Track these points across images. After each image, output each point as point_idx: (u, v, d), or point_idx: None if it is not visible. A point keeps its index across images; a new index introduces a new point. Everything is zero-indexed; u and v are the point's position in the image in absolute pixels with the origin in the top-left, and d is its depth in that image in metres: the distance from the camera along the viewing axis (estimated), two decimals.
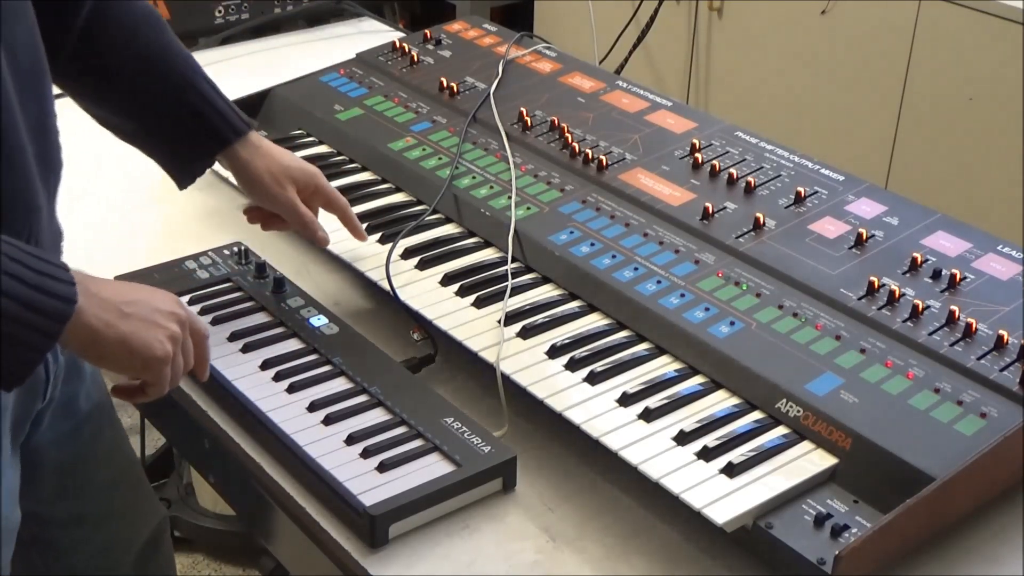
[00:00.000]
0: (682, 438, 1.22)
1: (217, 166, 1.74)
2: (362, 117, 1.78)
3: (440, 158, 1.66)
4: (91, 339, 1.08)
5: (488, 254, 1.52)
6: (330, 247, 1.53)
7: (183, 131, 1.42)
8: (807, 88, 2.97)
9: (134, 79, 1.39)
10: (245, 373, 1.33)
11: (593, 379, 1.30)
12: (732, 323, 1.33)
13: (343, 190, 1.64)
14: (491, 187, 1.59)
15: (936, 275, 1.37)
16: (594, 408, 1.26)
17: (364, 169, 1.70)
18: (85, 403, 1.39)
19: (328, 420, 1.27)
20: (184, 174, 1.46)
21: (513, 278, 1.45)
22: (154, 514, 1.61)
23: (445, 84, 1.81)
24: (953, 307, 1.30)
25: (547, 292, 1.45)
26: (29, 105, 1.14)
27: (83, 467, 1.44)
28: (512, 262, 1.48)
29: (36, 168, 1.16)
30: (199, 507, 2.56)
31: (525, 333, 1.36)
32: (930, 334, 1.29)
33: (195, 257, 1.52)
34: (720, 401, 1.28)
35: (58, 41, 1.33)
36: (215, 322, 1.41)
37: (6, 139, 1.11)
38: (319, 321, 1.41)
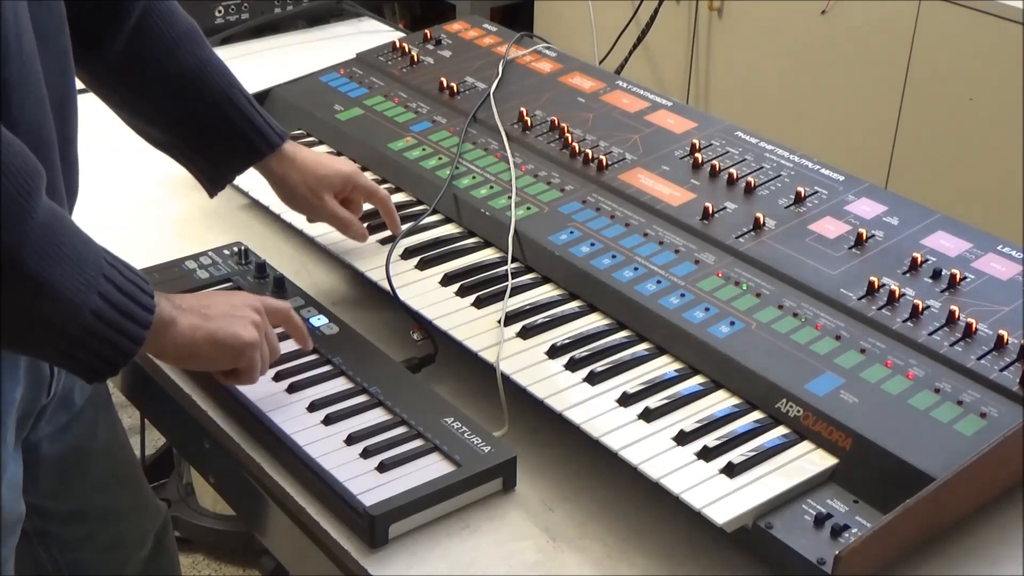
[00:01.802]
0: (682, 438, 1.22)
1: None
2: (362, 117, 1.78)
3: (440, 158, 1.66)
4: (185, 343, 1.17)
5: (488, 254, 1.52)
6: (330, 247, 1.54)
7: (218, 144, 1.45)
8: (807, 88, 2.97)
9: (172, 91, 1.41)
10: None
11: (593, 379, 1.30)
12: (732, 323, 1.33)
13: None
14: (491, 187, 1.59)
15: (936, 275, 1.37)
16: (594, 408, 1.26)
17: (364, 169, 1.70)
18: (80, 396, 1.41)
19: (328, 420, 1.27)
20: (215, 184, 1.49)
21: (513, 278, 1.45)
22: (157, 513, 1.62)
23: (445, 84, 1.81)
24: (953, 307, 1.30)
25: (547, 292, 1.45)
26: (56, 128, 1.17)
27: (81, 460, 1.45)
28: (512, 262, 1.48)
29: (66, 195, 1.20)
30: (199, 507, 2.56)
31: (525, 333, 1.36)
32: (930, 334, 1.29)
33: (195, 257, 1.52)
34: (720, 401, 1.28)
35: (102, 54, 1.36)
36: None
37: (45, 158, 1.12)
38: (319, 321, 1.41)
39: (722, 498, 1.15)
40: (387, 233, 1.55)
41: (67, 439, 1.42)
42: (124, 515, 1.55)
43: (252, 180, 1.67)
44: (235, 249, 1.53)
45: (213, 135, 1.44)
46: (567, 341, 1.35)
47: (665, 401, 1.26)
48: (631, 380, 1.30)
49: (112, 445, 1.52)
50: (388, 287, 1.44)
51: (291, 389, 1.31)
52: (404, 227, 1.54)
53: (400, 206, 1.61)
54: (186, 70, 1.41)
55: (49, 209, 1.04)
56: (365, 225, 1.55)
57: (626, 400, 1.27)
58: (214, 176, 1.48)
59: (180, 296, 1.20)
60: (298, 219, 1.59)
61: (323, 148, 1.76)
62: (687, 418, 1.24)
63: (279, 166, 1.48)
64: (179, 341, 1.16)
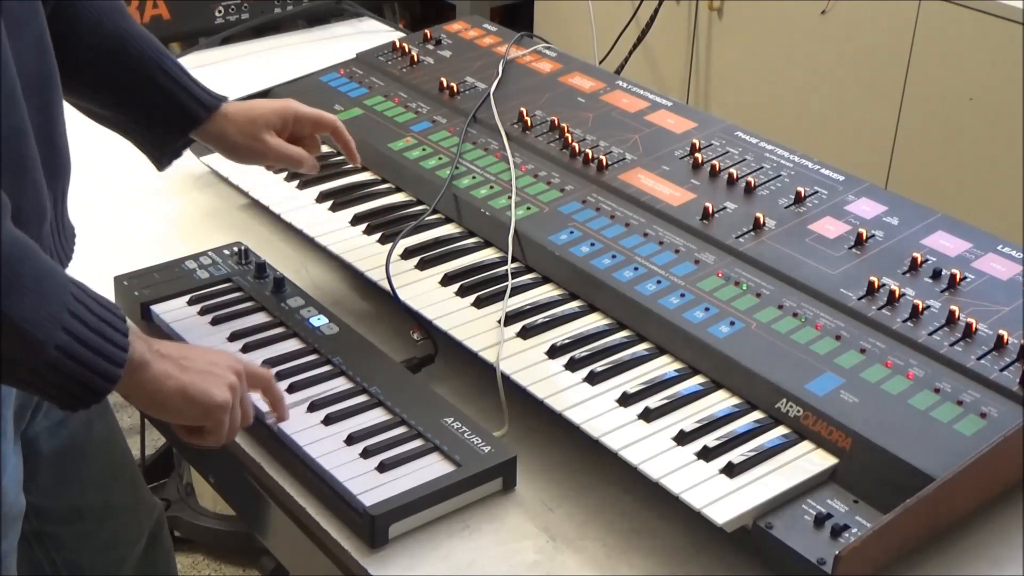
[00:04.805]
0: (682, 438, 1.22)
1: (215, 166, 1.75)
2: (362, 117, 1.78)
3: (440, 158, 1.66)
4: (155, 390, 1.13)
5: (488, 254, 1.52)
6: (330, 247, 1.53)
7: (155, 112, 1.43)
8: (807, 88, 2.97)
9: (102, 65, 1.39)
10: None
11: (593, 379, 1.30)
12: (732, 323, 1.33)
13: (343, 190, 1.65)
14: (491, 187, 1.58)
15: (936, 275, 1.37)
16: (594, 408, 1.26)
17: (364, 169, 1.70)
18: None
19: (328, 420, 1.27)
20: (162, 156, 1.47)
21: (513, 278, 1.45)
22: (153, 509, 1.62)
23: (445, 84, 1.81)
24: (953, 307, 1.30)
25: (547, 292, 1.44)
26: (35, 112, 1.15)
27: (77, 457, 1.45)
28: (512, 262, 1.48)
29: (44, 174, 1.17)
30: (199, 507, 2.56)
31: (525, 333, 1.36)
32: (930, 334, 1.29)
33: (195, 257, 1.52)
34: (720, 401, 1.28)
35: None
36: (215, 322, 1.41)
37: (16, 147, 1.12)
38: (319, 321, 1.41)
39: (722, 498, 1.15)
40: (387, 233, 1.54)
41: (64, 434, 1.42)
42: (121, 511, 1.55)
43: (252, 180, 1.68)
44: (235, 249, 1.53)
45: (148, 104, 1.42)
46: (567, 341, 1.35)
47: (665, 401, 1.26)
48: (631, 380, 1.30)
49: (108, 440, 1.52)
50: (388, 287, 1.44)
51: (291, 389, 1.31)
52: (404, 227, 1.53)
53: (400, 206, 1.61)
54: (112, 40, 1.38)
55: (11, 239, 1.02)
56: (364, 226, 1.55)
57: (626, 400, 1.27)
58: (158, 147, 1.46)
59: (161, 342, 1.17)
60: (298, 219, 1.59)
61: (323, 148, 1.76)
62: (687, 418, 1.24)
63: (214, 126, 1.45)
64: (148, 387, 1.12)
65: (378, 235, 1.55)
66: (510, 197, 1.55)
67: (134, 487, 1.59)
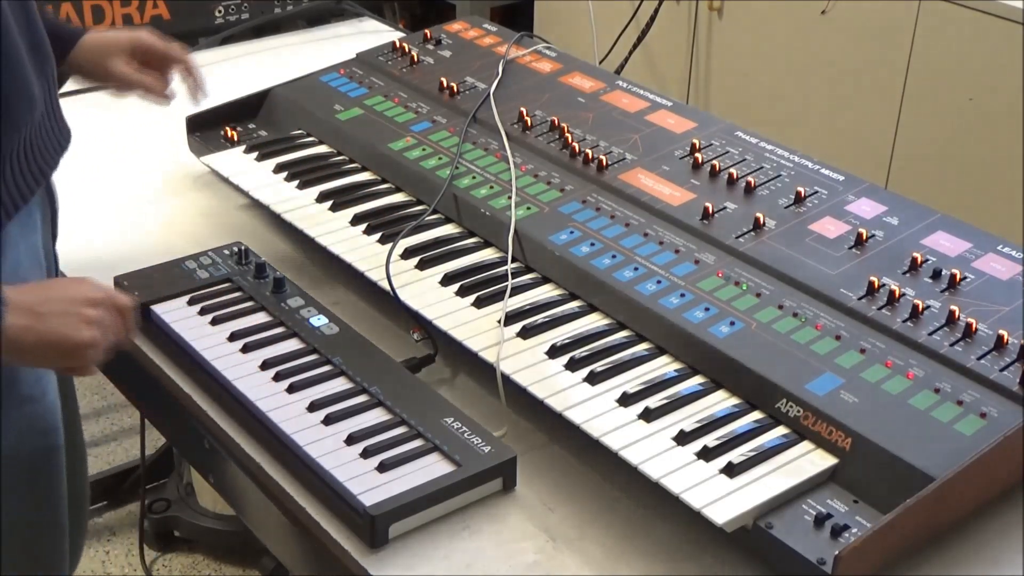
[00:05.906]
0: (682, 438, 1.22)
1: (215, 166, 1.75)
2: (362, 117, 1.78)
3: (440, 158, 1.66)
4: (12, 346, 1.13)
5: (488, 254, 1.52)
6: (330, 247, 1.53)
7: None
8: (807, 88, 2.97)
9: None
10: (245, 373, 1.33)
11: (593, 379, 1.30)
12: (732, 323, 1.33)
13: (343, 190, 1.65)
14: (491, 187, 1.59)
15: (936, 275, 1.37)
16: (594, 408, 1.26)
17: (364, 169, 1.70)
18: None
19: (328, 420, 1.27)
20: None
21: (513, 278, 1.45)
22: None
23: (445, 84, 1.81)
24: (953, 307, 1.30)
25: (547, 292, 1.45)
26: (16, 6, 1.19)
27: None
28: (512, 262, 1.48)
29: (30, 61, 1.21)
30: (199, 507, 2.56)
31: (525, 333, 1.36)
32: (930, 334, 1.29)
33: (195, 257, 1.52)
34: (720, 401, 1.28)
35: None
36: (215, 322, 1.41)
37: (4, 36, 1.15)
38: (319, 321, 1.41)
39: (722, 498, 1.15)
40: (387, 233, 1.54)
41: None
42: (78, 429, 1.57)
43: (252, 180, 1.68)
44: (235, 249, 1.53)
45: None
46: (567, 341, 1.35)
47: (665, 401, 1.26)
48: (631, 380, 1.30)
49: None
50: (388, 287, 1.44)
51: (291, 389, 1.31)
52: (404, 227, 1.53)
53: (400, 206, 1.61)
54: None
55: None
56: (365, 225, 1.55)
57: (626, 400, 1.27)
58: None
59: (18, 289, 1.16)
60: (298, 219, 1.59)
61: (323, 148, 1.76)
62: (687, 418, 1.24)
63: (74, 56, 1.50)
64: (7, 342, 1.12)
65: (378, 235, 1.55)
66: (510, 197, 1.55)
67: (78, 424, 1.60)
